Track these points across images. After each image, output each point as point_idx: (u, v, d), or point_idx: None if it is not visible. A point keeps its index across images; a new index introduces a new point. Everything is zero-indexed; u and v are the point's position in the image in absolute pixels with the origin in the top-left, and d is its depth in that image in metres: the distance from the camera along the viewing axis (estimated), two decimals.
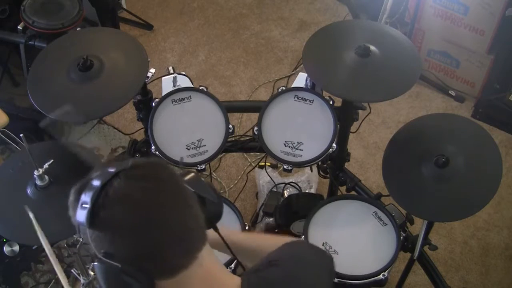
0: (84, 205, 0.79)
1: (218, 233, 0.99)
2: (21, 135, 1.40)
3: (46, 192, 1.49)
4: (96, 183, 0.80)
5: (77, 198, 0.82)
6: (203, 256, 0.87)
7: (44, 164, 1.46)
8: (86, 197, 0.79)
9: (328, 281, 0.99)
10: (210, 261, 0.90)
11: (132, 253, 0.80)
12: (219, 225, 1.01)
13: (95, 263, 0.81)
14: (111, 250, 0.80)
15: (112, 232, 0.79)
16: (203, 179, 0.96)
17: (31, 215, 1.22)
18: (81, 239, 0.83)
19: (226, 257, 1.69)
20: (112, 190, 0.79)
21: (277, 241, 1.08)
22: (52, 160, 1.47)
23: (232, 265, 1.68)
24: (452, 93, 2.98)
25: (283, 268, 0.97)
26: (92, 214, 0.78)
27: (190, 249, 0.85)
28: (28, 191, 1.50)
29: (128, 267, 0.79)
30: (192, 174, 0.94)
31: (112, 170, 0.81)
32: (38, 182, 1.48)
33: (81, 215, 0.79)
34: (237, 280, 0.92)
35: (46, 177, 1.48)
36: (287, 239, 1.12)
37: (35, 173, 1.46)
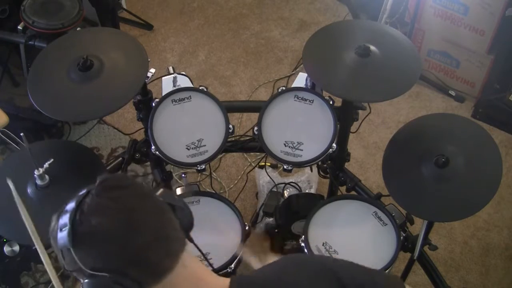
0: (63, 228, 0.83)
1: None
2: (21, 134, 1.39)
3: (46, 191, 1.49)
4: (71, 205, 0.84)
5: (56, 224, 0.85)
6: (185, 258, 0.90)
7: (45, 164, 1.46)
8: (63, 220, 0.83)
9: (322, 279, 0.98)
10: (194, 263, 0.94)
11: (116, 261, 0.83)
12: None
13: (85, 280, 0.83)
14: (97, 263, 0.83)
15: (94, 244, 0.83)
16: (172, 194, 1.00)
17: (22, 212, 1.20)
18: (66, 267, 0.86)
19: (227, 256, 1.70)
20: (86, 206, 0.83)
21: None
22: (52, 160, 1.47)
23: (232, 265, 1.68)
24: (452, 93, 2.98)
25: (274, 266, 1.00)
26: (73, 233, 0.82)
27: (171, 250, 0.89)
28: (29, 190, 1.50)
29: (116, 276, 0.82)
30: (161, 189, 0.98)
31: (83, 191, 0.86)
32: (39, 182, 1.48)
33: (62, 237, 0.82)
34: (225, 281, 0.95)
35: (47, 176, 1.48)
36: None
37: (35, 172, 1.46)
